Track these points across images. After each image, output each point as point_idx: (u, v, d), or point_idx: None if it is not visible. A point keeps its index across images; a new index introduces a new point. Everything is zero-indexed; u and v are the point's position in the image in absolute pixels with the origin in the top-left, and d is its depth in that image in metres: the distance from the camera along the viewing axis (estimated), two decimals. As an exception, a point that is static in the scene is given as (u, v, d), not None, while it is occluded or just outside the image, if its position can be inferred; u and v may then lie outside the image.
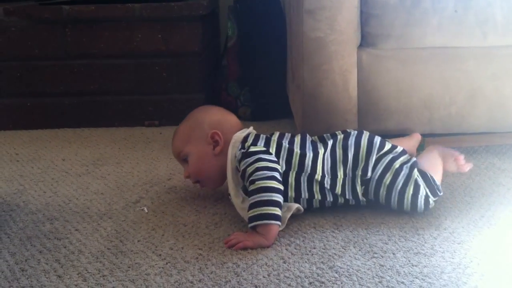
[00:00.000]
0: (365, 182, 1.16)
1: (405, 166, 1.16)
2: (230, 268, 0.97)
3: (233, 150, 1.15)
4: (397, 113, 1.51)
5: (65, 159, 1.59)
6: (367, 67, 1.48)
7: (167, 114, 1.92)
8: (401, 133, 1.52)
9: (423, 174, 1.17)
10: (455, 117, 1.51)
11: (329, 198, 1.15)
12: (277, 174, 1.08)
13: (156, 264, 0.99)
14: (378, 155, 1.17)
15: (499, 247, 1.03)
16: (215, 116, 1.21)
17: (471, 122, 1.52)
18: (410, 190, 1.14)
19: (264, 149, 1.12)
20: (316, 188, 1.14)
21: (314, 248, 1.04)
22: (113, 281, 0.94)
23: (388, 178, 1.15)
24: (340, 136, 1.20)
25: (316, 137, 1.23)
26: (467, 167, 1.24)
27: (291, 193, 1.13)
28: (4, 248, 1.07)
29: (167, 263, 0.99)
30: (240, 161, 1.11)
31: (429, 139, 1.57)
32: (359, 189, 1.16)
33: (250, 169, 1.08)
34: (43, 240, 1.10)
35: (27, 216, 1.21)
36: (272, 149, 1.14)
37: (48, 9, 1.86)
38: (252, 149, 1.12)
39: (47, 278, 0.96)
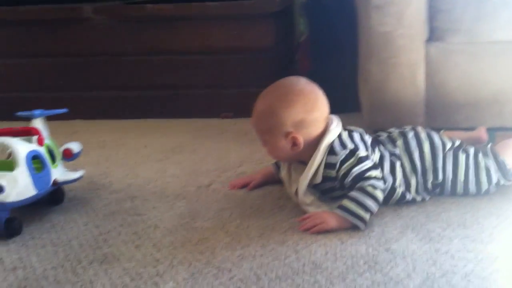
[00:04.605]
0: (440, 185, 1.21)
1: (470, 156, 1.21)
2: (290, 246, 1.04)
3: (322, 155, 1.15)
4: (466, 107, 1.51)
5: (147, 146, 1.72)
6: (435, 61, 1.49)
7: (242, 107, 1.99)
8: (470, 127, 1.52)
9: (495, 155, 1.21)
10: (526, 111, 1.50)
11: (408, 197, 1.19)
12: None
13: (222, 240, 1.08)
14: (443, 155, 1.20)
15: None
16: (299, 114, 1.15)
17: (543, 116, 1.50)
18: (483, 178, 1.20)
19: (367, 154, 1.15)
20: (397, 191, 1.18)
21: (373, 231, 1.08)
22: (184, 252, 1.03)
23: (461, 174, 1.20)
24: (400, 141, 1.21)
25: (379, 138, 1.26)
26: None
27: None
28: (90, 221, 1.19)
29: (232, 239, 1.07)
30: (344, 161, 1.13)
31: (499, 133, 1.56)
32: (430, 189, 1.21)
33: (365, 174, 1.12)
34: (124, 215, 1.21)
35: (111, 194, 1.34)
36: (370, 154, 1.17)
37: (132, 8, 2.00)
38: (362, 153, 1.14)
39: (126, 247, 1.07)
